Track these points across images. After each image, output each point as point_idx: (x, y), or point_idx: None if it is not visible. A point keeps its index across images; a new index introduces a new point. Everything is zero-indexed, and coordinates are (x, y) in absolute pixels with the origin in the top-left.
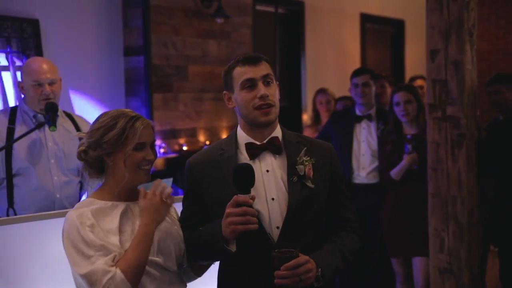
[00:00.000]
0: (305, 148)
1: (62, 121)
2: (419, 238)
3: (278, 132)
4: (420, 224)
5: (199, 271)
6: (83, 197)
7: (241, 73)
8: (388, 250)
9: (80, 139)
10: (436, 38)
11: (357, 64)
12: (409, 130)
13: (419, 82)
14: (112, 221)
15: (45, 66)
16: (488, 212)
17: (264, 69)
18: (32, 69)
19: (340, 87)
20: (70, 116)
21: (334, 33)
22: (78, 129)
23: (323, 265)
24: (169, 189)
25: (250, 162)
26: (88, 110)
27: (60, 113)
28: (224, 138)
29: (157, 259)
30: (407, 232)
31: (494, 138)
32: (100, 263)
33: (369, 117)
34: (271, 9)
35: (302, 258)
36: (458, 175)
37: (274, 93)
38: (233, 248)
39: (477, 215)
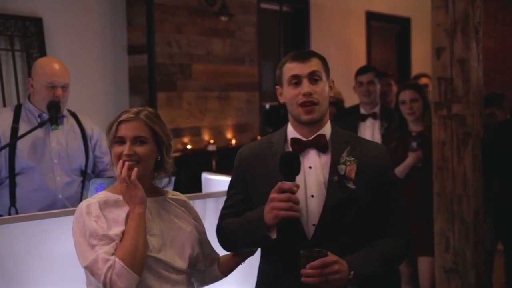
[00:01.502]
0: (349, 147)
1: (67, 120)
2: (424, 238)
3: (326, 130)
4: (425, 223)
5: (226, 271)
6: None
7: (289, 69)
8: None
9: (84, 139)
10: (442, 35)
11: (362, 63)
12: (414, 128)
13: (423, 80)
14: (120, 213)
15: (60, 69)
16: (495, 211)
17: (312, 65)
18: (47, 70)
19: (346, 86)
20: (75, 116)
21: (339, 31)
22: (82, 128)
23: (356, 268)
24: (123, 172)
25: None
26: (92, 109)
27: (65, 112)
28: (276, 132)
29: (163, 258)
30: (412, 231)
31: (500, 137)
32: (101, 252)
33: (374, 116)
34: (276, 7)
35: (330, 258)
36: (463, 174)
37: (320, 91)
38: (273, 235)
39: (483, 215)
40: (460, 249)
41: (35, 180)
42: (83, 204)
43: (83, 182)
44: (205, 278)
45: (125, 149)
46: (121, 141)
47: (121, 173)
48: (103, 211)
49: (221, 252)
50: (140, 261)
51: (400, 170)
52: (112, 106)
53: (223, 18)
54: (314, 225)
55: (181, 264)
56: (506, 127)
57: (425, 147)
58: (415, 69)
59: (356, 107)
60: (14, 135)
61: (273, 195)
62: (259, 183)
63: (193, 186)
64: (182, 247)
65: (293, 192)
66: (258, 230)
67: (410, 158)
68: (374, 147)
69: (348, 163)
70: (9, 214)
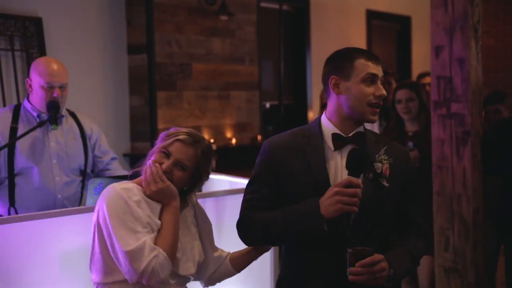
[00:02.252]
0: (386, 147)
1: (66, 120)
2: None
3: (362, 128)
4: (424, 222)
5: (239, 267)
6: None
7: (366, 66)
8: None
9: (83, 139)
10: (441, 34)
11: None
12: (410, 128)
13: (428, 80)
14: (155, 204)
15: (58, 69)
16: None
17: (382, 70)
18: (45, 70)
19: None
20: (74, 115)
21: (339, 30)
22: (81, 128)
23: (395, 265)
24: (156, 173)
25: (334, 153)
26: (91, 108)
27: (64, 112)
28: (305, 126)
29: (179, 258)
30: None
31: (498, 136)
32: (147, 239)
33: None
34: (275, 6)
35: (377, 256)
36: (463, 173)
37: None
38: (325, 227)
39: (482, 213)
40: (459, 248)
41: (34, 180)
42: (116, 187)
43: (82, 182)
44: (212, 277)
45: (165, 164)
46: (166, 154)
47: (151, 174)
48: (143, 198)
49: (230, 248)
50: (175, 254)
51: None
52: (112, 105)
53: (222, 18)
54: None
55: (191, 269)
56: (506, 126)
57: (421, 147)
58: (416, 68)
59: None
60: (13, 135)
61: (339, 189)
62: (297, 177)
63: None
64: (193, 250)
65: (360, 188)
66: (313, 222)
67: None
68: (400, 148)
69: (384, 162)
70: (9, 214)
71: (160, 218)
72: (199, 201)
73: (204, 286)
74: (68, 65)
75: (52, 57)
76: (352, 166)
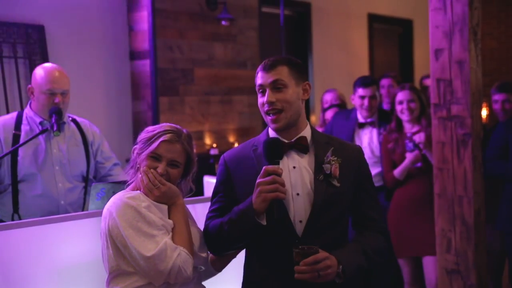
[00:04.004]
0: (333, 148)
1: (68, 127)
2: (429, 237)
3: (307, 132)
4: (429, 222)
5: (220, 266)
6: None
7: (257, 78)
8: (394, 250)
9: (85, 145)
10: (440, 37)
11: (365, 65)
12: (410, 129)
13: (429, 82)
14: (162, 206)
15: (60, 76)
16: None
17: (276, 74)
18: (46, 77)
19: (348, 88)
20: (75, 121)
21: (341, 34)
22: (83, 134)
23: (344, 262)
24: (154, 179)
25: (280, 161)
26: (94, 114)
27: (66, 119)
28: (256, 137)
29: (202, 255)
30: (417, 230)
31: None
32: (167, 240)
33: (372, 124)
34: (277, 11)
35: (321, 254)
36: (464, 175)
37: (285, 97)
38: (263, 221)
39: (484, 215)
40: (461, 250)
41: (37, 187)
42: (122, 197)
43: (85, 187)
44: (200, 276)
45: (160, 168)
46: (156, 158)
47: (149, 181)
48: (150, 202)
49: None
50: (193, 249)
51: (399, 172)
52: (114, 111)
53: (224, 23)
54: (300, 221)
55: (199, 261)
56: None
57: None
58: (418, 71)
59: (354, 112)
60: (16, 142)
61: (258, 180)
62: (248, 186)
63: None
64: (198, 245)
65: (278, 174)
66: (248, 218)
67: (408, 159)
68: (351, 147)
69: (333, 162)
70: (13, 220)
71: (169, 218)
72: (201, 205)
73: None
74: (71, 71)
75: (55, 63)
76: (267, 155)
